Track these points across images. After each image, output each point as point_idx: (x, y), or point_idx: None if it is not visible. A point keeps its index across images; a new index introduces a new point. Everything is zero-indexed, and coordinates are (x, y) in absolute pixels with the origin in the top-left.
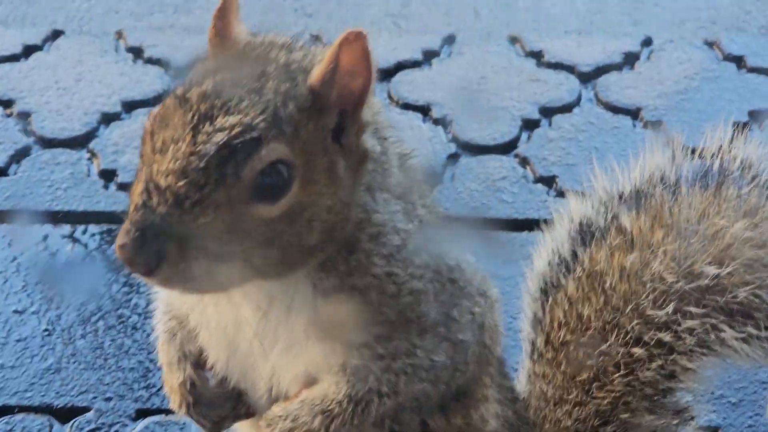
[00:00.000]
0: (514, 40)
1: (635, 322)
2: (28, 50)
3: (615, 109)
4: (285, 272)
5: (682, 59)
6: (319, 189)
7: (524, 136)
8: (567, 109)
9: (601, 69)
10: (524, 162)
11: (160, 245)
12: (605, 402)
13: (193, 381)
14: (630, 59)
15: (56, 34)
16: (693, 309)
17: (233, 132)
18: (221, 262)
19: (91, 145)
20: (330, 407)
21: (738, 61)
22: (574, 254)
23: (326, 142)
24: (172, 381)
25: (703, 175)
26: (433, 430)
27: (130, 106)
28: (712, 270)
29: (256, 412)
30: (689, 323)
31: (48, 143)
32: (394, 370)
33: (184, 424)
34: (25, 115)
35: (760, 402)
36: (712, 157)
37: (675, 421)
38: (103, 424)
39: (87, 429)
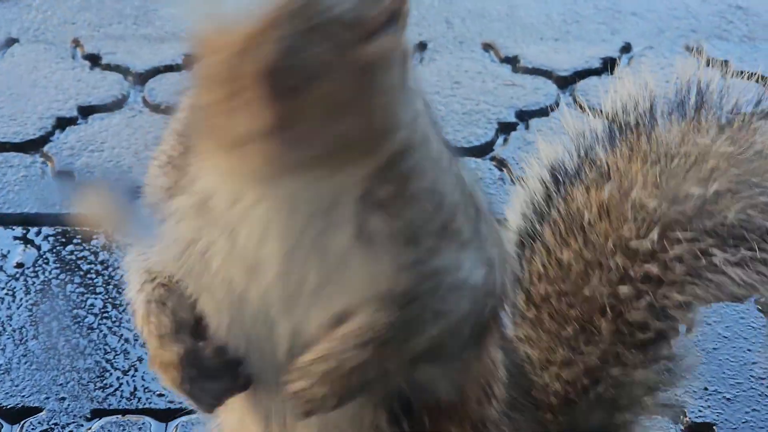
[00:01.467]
0: (488, 47)
1: (618, 256)
2: None
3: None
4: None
5: (663, 64)
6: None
7: (500, 139)
8: (544, 112)
9: (579, 74)
10: (501, 164)
11: None
12: (594, 357)
13: (195, 352)
14: (609, 65)
15: (10, 42)
16: (679, 234)
17: None
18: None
19: (46, 148)
20: (380, 333)
21: (721, 66)
22: (548, 198)
23: None
24: (167, 355)
25: (679, 104)
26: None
27: (87, 111)
28: (697, 191)
29: (253, 382)
30: (676, 250)
31: None
32: (445, 286)
33: (143, 423)
34: None
35: (755, 397)
36: (687, 86)
37: (669, 376)
38: (55, 424)
39: (39, 429)
